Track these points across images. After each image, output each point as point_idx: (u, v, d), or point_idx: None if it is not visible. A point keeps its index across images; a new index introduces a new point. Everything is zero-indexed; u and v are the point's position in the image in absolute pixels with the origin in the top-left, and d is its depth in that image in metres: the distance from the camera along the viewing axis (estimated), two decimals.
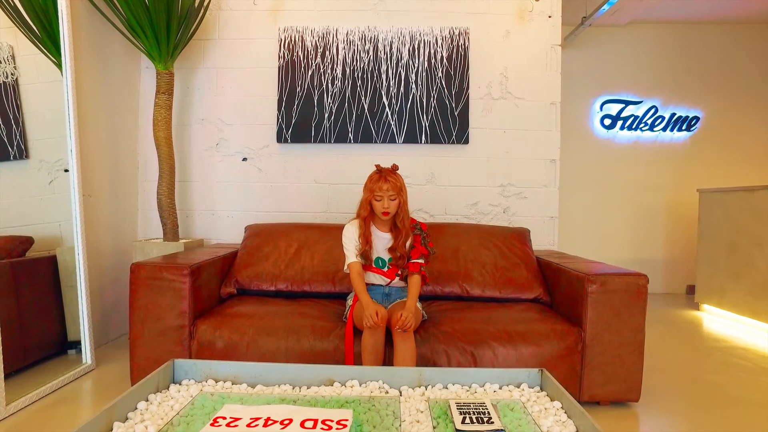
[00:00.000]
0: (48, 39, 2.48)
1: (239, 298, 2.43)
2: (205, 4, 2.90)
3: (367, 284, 2.10)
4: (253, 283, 2.48)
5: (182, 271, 2.08)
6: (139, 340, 2.08)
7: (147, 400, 1.19)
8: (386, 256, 2.11)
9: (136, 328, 2.08)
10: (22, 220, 2.76)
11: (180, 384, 1.32)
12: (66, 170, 2.58)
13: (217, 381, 1.33)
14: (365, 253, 2.09)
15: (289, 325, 2.10)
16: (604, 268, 2.23)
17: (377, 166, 2.08)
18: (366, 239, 2.08)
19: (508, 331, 2.06)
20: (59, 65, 2.47)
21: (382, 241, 2.12)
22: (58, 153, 2.59)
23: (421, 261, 2.11)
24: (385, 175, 2.04)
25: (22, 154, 2.71)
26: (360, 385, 1.29)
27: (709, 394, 2.32)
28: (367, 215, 2.08)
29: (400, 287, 2.16)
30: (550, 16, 3.10)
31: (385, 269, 2.11)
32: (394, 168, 2.09)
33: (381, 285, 2.14)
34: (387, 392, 1.27)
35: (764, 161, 4.75)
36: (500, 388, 1.29)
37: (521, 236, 2.72)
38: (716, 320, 3.75)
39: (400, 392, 1.27)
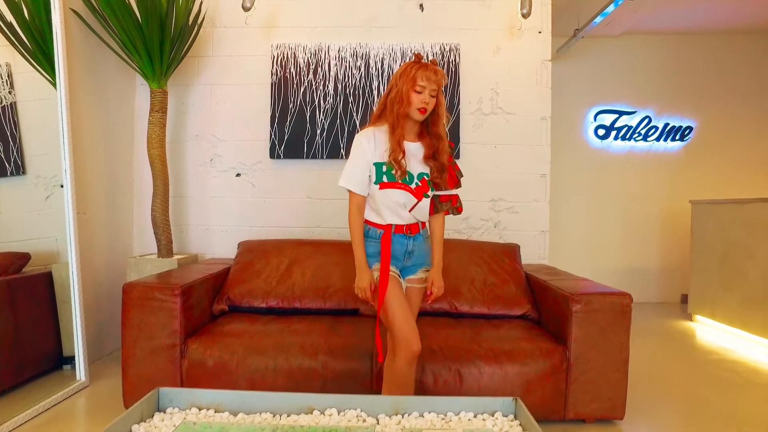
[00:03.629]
0: (43, 57, 2.52)
1: (231, 315, 2.47)
2: (199, 21, 2.94)
3: (377, 226, 1.70)
4: (244, 300, 2.52)
5: (173, 291, 2.12)
6: (131, 358, 2.12)
7: None
8: (417, 170, 1.69)
9: (129, 347, 2.12)
10: (19, 235, 2.80)
11: (164, 412, 1.35)
12: (62, 186, 2.62)
13: (200, 409, 1.36)
14: (396, 162, 1.62)
15: (278, 343, 2.14)
16: (589, 286, 2.26)
17: (418, 55, 1.70)
18: (399, 140, 1.63)
19: (494, 349, 2.09)
20: (54, 83, 2.51)
21: (410, 153, 1.69)
22: (55, 169, 2.63)
23: (456, 192, 1.82)
24: (429, 64, 1.66)
25: (19, 170, 2.75)
26: (338, 414, 1.32)
27: (696, 409, 2.34)
28: (401, 113, 1.63)
29: (423, 237, 1.79)
30: (540, 32, 3.13)
31: (413, 186, 1.69)
32: (435, 62, 1.70)
33: (403, 235, 1.71)
34: (365, 420, 1.30)
35: (758, 170, 4.77)
36: (475, 416, 1.32)
37: (511, 252, 2.75)
38: (709, 331, 3.77)
39: (378, 420, 1.30)
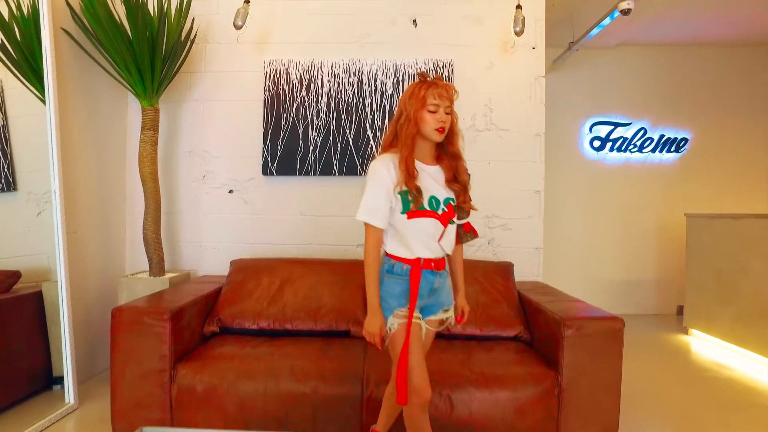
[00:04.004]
0: (33, 75, 2.51)
1: (222, 337, 2.45)
2: (191, 38, 2.93)
3: (404, 261, 1.57)
4: (235, 322, 2.50)
5: (163, 315, 2.10)
6: (119, 382, 2.10)
7: None
8: (443, 195, 1.60)
9: (117, 372, 2.10)
10: (10, 252, 2.78)
11: None
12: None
13: None
14: (412, 188, 1.51)
15: (268, 367, 2.12)
16: (581, 309, 2.25)
17: (423, 74, 1.61)
18: (408, 167, 1.52)
19: (485, 374, 2.08)
20: (44, 101, 2.50)
21: (430, 177, 1.60)
22: (46, 185, 2.61)
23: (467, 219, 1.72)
24: (437, 81, 1.58)
25: (10, 186, 2.74)
26: None
27: (690, 431, 2.33)
28: (413, 138, 1.55)
29: (447, 273, 1.70)
30: (534, 48, 3.12)
31: (440, 212, 1.58)
32: (439, 77, 1.62)
33: (431, 271, 1.60)
34: None
35: (752, 182, 4.77)
36: None
37: (504, 271, 2.73)
38: (704, 346, 3.76)
39: None
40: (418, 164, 1.58)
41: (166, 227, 3.08)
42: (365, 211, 1.57)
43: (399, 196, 1.53)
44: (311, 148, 3.05)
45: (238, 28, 2.76)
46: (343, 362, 2.16)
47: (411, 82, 2.99)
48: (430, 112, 1.54)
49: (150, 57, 2.68)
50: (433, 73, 3.04)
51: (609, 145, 4.73)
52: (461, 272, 1.79)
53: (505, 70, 3.11)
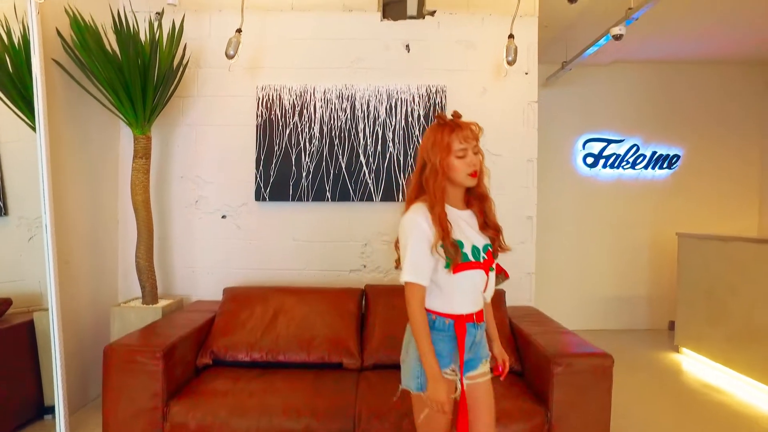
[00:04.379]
0: (23, 103, 2.50)
1: (215, 370, 2.45)
2: (184, 64, 2.93)
3: (446, 316, 1.47)
4: (228, 354, 2.50)
5: (155, 354, 2.10)
6: (112, 420, 2.11)
7: None
8: (481, 242, 1.50)
9: (109, 409, 2.10)
10: (1, 277, 2.79)
11: None
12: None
13: None
14: (449, 245, 1.40)
15: (261, 403, 2.13)
16: (571, 344, 2.27)
17: (440, 116, 1.50)
18: (443, 224, 1.41)
19: None
20: (35, 128, 2.48)
21: (465, 223, 1.51)
22: (38, 210, 2.58)
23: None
24: (458, 121, 1.48)
25: (1, 211, 2.74)
26: None
27: None
28: (443, 190, 1.45)
29: (483, 322, 1.60)
30: (526, 73, 3.14)
31: (481, 260, 1.49)
32: (458, 115, 1.52)
33: (472, 324, 1.51)
34: None
35: (743, 199, 4.81)
36: None
37: (496, 301, 2.72)
38: (694, 365, 3.79)
39: None
40: (453, 211, 1.49)
41: (159, 252, 3.07)
42: (411, 270, 1.43)
43: (441, 249, 1.42)
44: (304, 174, 3.05)
45: (230, 57, 2.76)
46: (335, 398, 2.18)
47: (404, 108, 3.02)
48: (458, 157, 1.44)
49: (142, 86, 2.68)
50: (425, 100, 3.05)
51: (602, 161, 4.75)
52: (493, 320, 1.71)
53: (497, 95, 3.13)
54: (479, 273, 1.48)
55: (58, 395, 2.47)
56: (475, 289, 1.50)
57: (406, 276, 1.44)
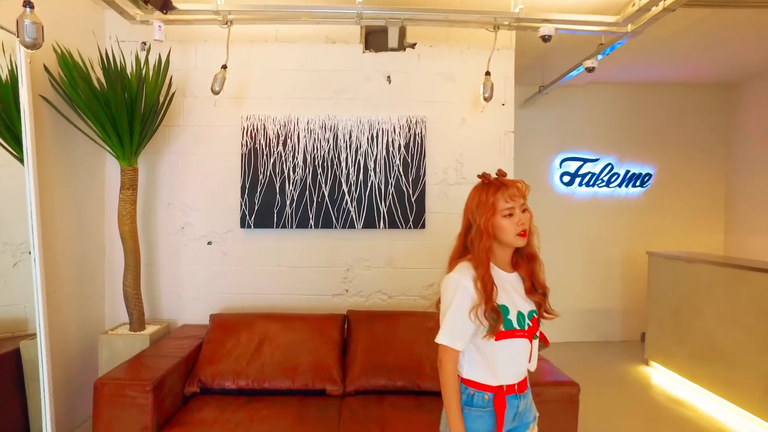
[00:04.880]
0: (10, 136, 2.53)
1: (202, 398, 2.53)
2: (170, 96, 2.99)
3: (487, 389, 1.41)
4: (215, 382, 2.59)
5: (145, 387, 2.19)
6: None
7: None
8: (527, 308, 1.44)
9: None
10: None
11: None
12: (30, 252, 2.63)
13: None
14: (490, 309, 1.35)
15: None
16: (543, 372, 2.40)
17: (485, 175, 1.47)
18: (486, 287, 1.36)
19: None
20: (23, 161, 2.52)
21: (511, 287, 1.45)
22: (23, 235, 2.63)
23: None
24: (503, 179, 1.44)
25: None
26: None
27: None
28: (488, 252, 1.40)
29: (528, 391, 1.52)
30: (503, 104, 3.26)
31: (526, 328, 1.42)
32: (502, 173, 1.49)
33: (514, 395, 1.44)
34: None
35: (711, 215, 5.02)
36: None
37: None
38: (662, 379, 3.98)
39: None
40: (499, 273, 1.44)
41: (146, 278, 3.14)
42: (448, 333, 1.40)
43: (482, 315, 1.37)
44: (288, 202, 3.14)
45: (215, 93, 2.83)
46: (318, 427, 2.28)
47: (385, 138, 3.12)
48: (505, 216, 1.39)
49: (129, 120, 2.74)
50: (405, 130, 3.16)
51: (578, 179, 4.93)
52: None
53: (476, 125, 3.25)
54: (522, 341, 1.41)
55: (46, 424, 2.53)
56: (517, 358, 1.42)
57: (441, 338, 1.41)
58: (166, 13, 2.74)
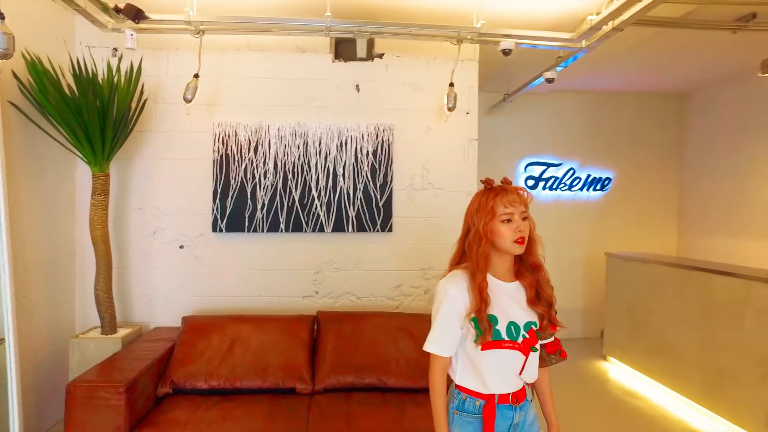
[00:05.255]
0: None
1: (175, 398, 2.59)
2: (142, 103, 3.05)
3: (477, 396, 1.40)
4: (188, 382, 2.65)
5: (118, 388, 2.25)
6: None
7: None
8: (523, 319, 1.41)
9: None
10: None
11: None
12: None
13: None
14: (482, 318, 1.34)
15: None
16: None
17: (487, 181, 1.47)
18: (482, 294, 1.35)
19: (414, 430, 2.35)
20: None
21: (509, 297, 1.43)
22: None
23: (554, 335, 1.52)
24: (505, 185, 1.44)
25: None
26: None
27: None
28: (486, 257, 1.39)
29: (530, 403, 1.48)
30: (467, 113, 3.42)
31: (520, 340, 1.39)
32: (507, 181, 1.48)
33: (508, 406, 1.41)
34: None
35: (666, 217, 5.31)
36: None
37: None
38: (619, 373, 4.21)
39: None
40: (496, 283, 1.42)
41: (118, 282, 3.18)
42: (435, 342, 1.42)
43: (473, 323, 1.36)
44: (259, 207, 3.23)
45: (188, 101, 2.90)
46: (287, 424, 2.37)
47: (354, 145, 3.24)
48: (503, 222, 1.38)
49: (100, 126, 2.78)
50: (373, 137, 3.28)
51: (542, 183, 5.14)
52: (552, 403, 1.57)
53: (441, 133, 3.39)
54: (511, 353, 1.37)
55: (14, 430, 2.56)
56: (506, 369, 1.39)
57: (428, 346, 1.43)
58: (138, 23, 2.80)
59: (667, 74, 4.60)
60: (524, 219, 1.41)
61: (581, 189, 5.19)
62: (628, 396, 3.72)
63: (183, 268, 3.27)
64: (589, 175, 5.19)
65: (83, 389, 2.24)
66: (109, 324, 2.96)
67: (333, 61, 3.34)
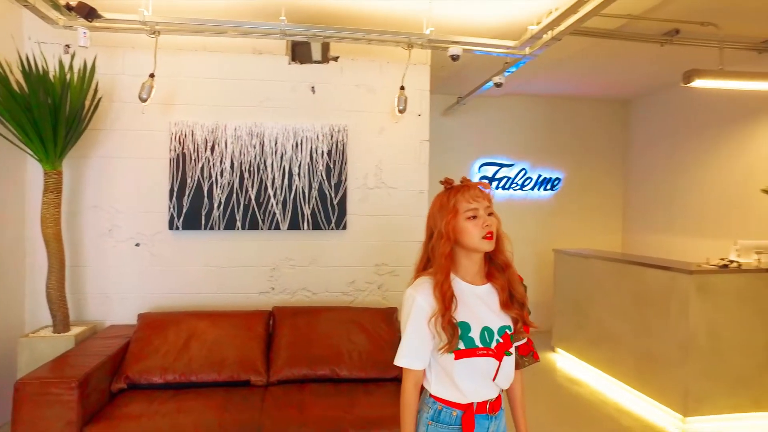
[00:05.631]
0: None
1: (129, 393, 2.63)
2: (96, 101, 3.05)
3: (455, 406, 1.33)
4: (143, 377, 2.69)
5: (70, 384, 2.26)
6: None
7: None
8: (497, 324, 1.35)
9: None
10: None
11: None
12: None
13: None
14: (446, 325, 1.27)
15: (174, 424, 2.37)
16: None
17: (447, 180, 1.41)
18: (444, 296, 1.29)
19: (364, 417, 2.47)
20: None
21: (480, 301, 1.36)
22: None
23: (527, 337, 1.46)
24: (465, 182, 1.39)
25: None
26: None
27: None
28: (447, 258, 1.32)
29: (503, 412, 1.43)
30: (419, 115, 3.56)
31: (493, 346, 1.33)
32: (466, 179, 1.42)
33: (485, 416, 1.35)
34: None
35: (611, 215, 5.63)
36: None
37: (388, 317, 3.14)
38: (565, 362, 4.46)
39: None
40: (465, 287, 1.36)
41: (71, 280, 3.17)
42: (406, 355, 1.34)
43: (443, 332, 1.29)
44: (216, 205, 3.28)
45: (143, 101, 2.93)
46: (242, 414, 2.46)
47: (309, 145, 3.34)
48: (468, 219, 1.32)
49: (52, 124, 2.78)
50: (328, 138, 3.38)
51: (495, 183, 5.36)
52: (522, 409, 1.52)
53: (394, 134, 3.53)
54: (486, 361, 1.31)
55: None
56: (480, 378, 1.33)
57: (399, 360, 1.34)
58: (91, 21, 2.81)
59: (610, 81, 4.89)
60: (490, 214, 1.34)
61: (532, 189, 5.44)
62: (570, 383, 3.96)
63: (139, 266, 3.28)
64: (540, 176, 5.44)
65: (34, 386, 2.25)
66: (61, 322, 2.96)
67: (289, 63, 3.43)
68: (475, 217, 1.32)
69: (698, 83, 3.27)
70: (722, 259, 3.39)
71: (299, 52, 3.46)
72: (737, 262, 3.36)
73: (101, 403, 2.53)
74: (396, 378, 2.88)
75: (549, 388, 3.87)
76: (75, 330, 3.01)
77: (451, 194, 1.36)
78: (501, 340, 1.33)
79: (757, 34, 3.61)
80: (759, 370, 3.20)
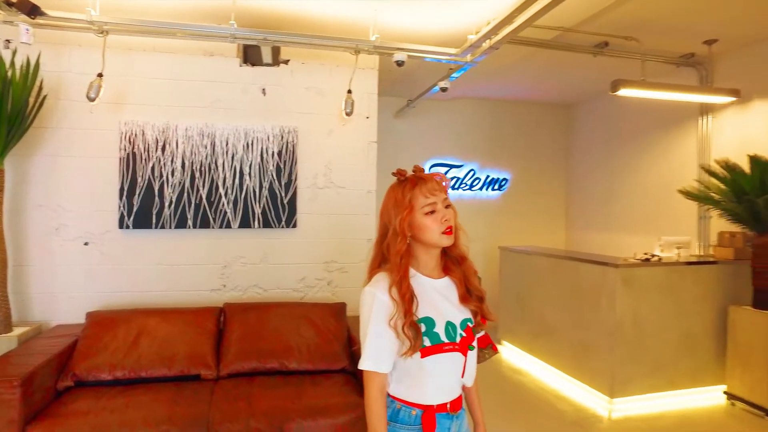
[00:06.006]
0: None
1: (76, 391, 2.63)
2: (40, 100, 3.04)
3: (416, 406, 1.27)
4: (90, 375, 2.71)
5: (12, 383, 2.25)
6: None
7: None
8: (459, 318, 1.31)
9: None
10: None
11: None
12: None
13: None
14: (407, 324, 1.21)
15: (123, 418, 2.39)
16: None
17: (399, 172, 1.33)
18: (403, 297, 1.22)
19: (311, 406, 2.58)
20: None
21: (440, 295, 1.32)
22: None
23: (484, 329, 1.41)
24: (420, 174, 1.32)
25: None
26: None
27: None
28: (403, 256, 1.26)
29: (465, 411, 1.39)
30: (367, 117, 3.70)
31: (458, 340, 1.29)
32: (419, 168, 1.35)
33: (446, 415, 1.30)
34: None
35: (555, 214, 5.95)
36: None
37: (337, 312, 3.26)
38: (510, 354, 4.70)
39: None
40: (424, 280, 1.31)
41: (15, 280, 3.13)
42: (370, 356, 1.24)
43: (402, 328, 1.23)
44: (167, 204, 3.32)
45: (91, 100, 2.94)
46: (192, 408, 2.51)
47: (260, 146, 3.42)
48: (426, 214, 1.26)
49: None
50: (278, 139, 3.47)
51: None
52: (479, 402, 1.48)
53: (343, 136, 3.66)
54: (453, 356, 1.27)
55: None
56: (448, 375, 1.29)
57: (364, 364, 1.24)
58: (33, 18, 2.80)
59: (551, 87, 5.19)
60: (447, 206, 1.30)
61: (481, 189, 5.69)
62: (514, 373, 4.20)
63: (88, 265, 3.28)
64: (488, 176, 5.70)
65: None
66: (3, 322, 2.92)
67: (240, 66, 3.50)
68: (433, 212, 1.27)
69: (624, 92, 3.55)
70: (645, 254, 3.68)
71: (251, 55, 3.53)
72: (659, 256, 3.67)
73: (46, 402, 2.53)
74: (344, 369, 3.01)
75: (494, 379, 4.09)
76: (18, 330, 2.99)
77: (407, 188, 1.28)
78: (464, 334, 1.29)
79: (675, 49, 3.95)
80: (674, 354, 3.51)
